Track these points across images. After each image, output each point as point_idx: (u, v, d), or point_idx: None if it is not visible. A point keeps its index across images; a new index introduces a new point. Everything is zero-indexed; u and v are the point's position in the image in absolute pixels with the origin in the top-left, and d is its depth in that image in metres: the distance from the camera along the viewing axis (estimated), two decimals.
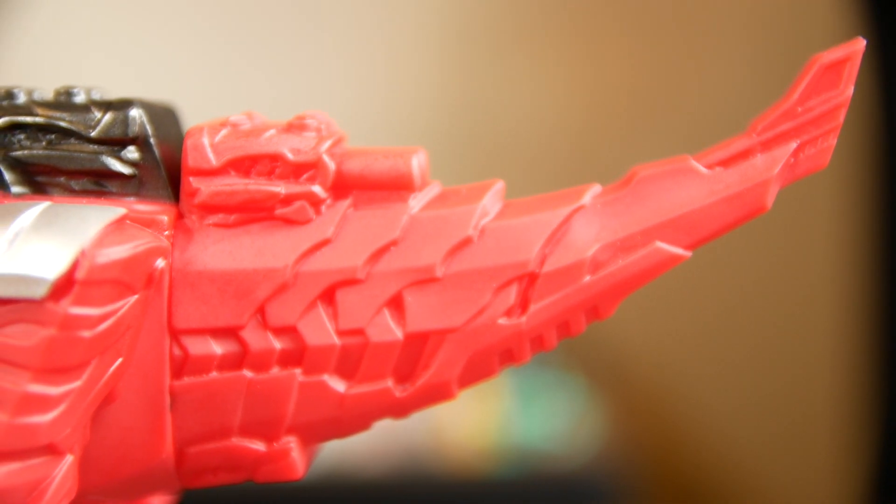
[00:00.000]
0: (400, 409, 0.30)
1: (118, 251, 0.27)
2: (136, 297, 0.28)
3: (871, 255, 0.83)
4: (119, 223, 0.28)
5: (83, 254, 0.27)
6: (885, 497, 0.79)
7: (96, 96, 0.31)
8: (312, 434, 0.30)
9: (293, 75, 0.95)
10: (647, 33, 0.96)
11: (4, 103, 0.30)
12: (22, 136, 0.30)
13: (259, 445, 0.30)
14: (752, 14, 0.93)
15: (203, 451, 0.30)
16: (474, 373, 0.30)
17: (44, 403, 0.27)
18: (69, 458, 0.28)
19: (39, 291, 0.26)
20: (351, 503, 0.88)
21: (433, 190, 0.30)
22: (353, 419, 0.30)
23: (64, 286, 0.27)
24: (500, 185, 0.30)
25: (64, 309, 0.27)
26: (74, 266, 0.27)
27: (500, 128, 0.98)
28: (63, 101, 0.30)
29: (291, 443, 0.30)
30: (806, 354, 0.92)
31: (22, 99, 0.30)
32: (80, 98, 0.30)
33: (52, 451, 0.27)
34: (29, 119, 0.30)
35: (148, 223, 0.29)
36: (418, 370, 0.30)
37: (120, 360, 0.28)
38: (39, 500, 0.28)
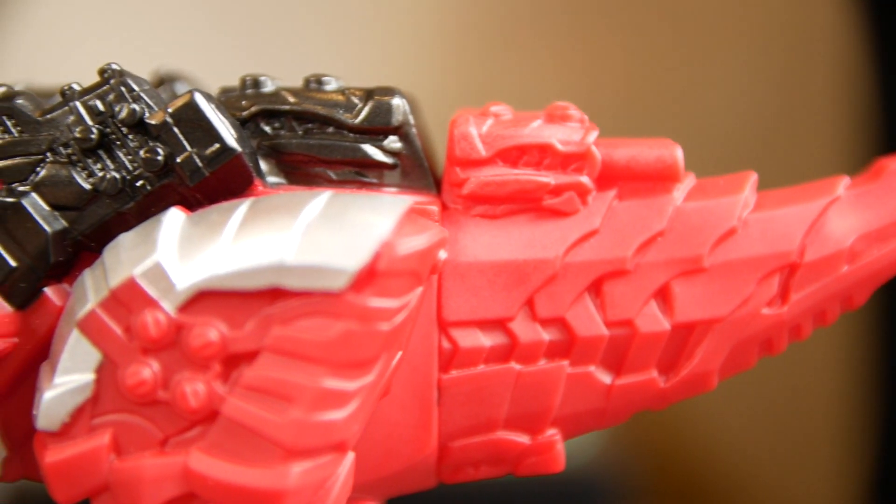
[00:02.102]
0: (662, 400, 0.30)
1: (417, 241, 0.27)
2: (421, 288, 0.27)
3: None
4: (410, 213, 0.27)
5: (386, 244, 0.26)
6: (885, 498, 0.82)
7: (342, 84, 0.30)
8: (574, 426, 0.30)
9: (292, 72, 0.93)
10: (646, 31, 0.97)
11: (250, 91, 0.29)
12: (276, 125, 0.29)
13: (524, 438, 0.30)
14: (752, 13, 0.95)
15: (467, 446, 0.30)
16: (734, 363, 0.30)
17: (339, 399, 0.26)
18: (351, 456, 0.27)
19: (339, 283, 0.26)
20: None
21: (690, 181, 0.30)
22: (616, 411, 0.30)
23: (365, 277, 0.26)
24: (755, 177, 0.31)
25: (364, 301, 0.26)
26: (376, 256, 0.26)
27: None
28: (314, 88, 0.29)
29: (556, 435, 0.30)
30: (807, 354, 0.94)
31: (270, 87, 0.29)
32: (331, 86, 0.30)
33: (340, 448, 0.27)
34: (286, 107, 0.29)
35: (420, 214, 0.29)
36: (681, 360, 0.30)
37: (400, 353, 0.28)
38: (325, 500, 0.27)
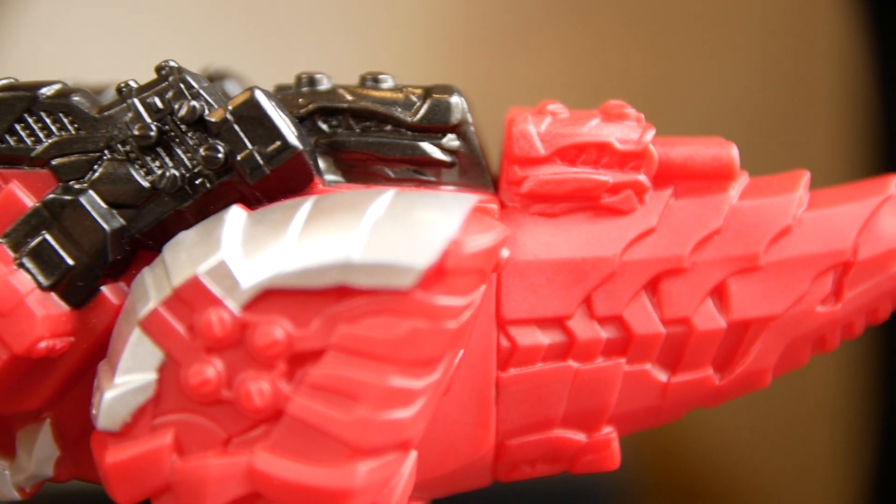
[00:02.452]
0: (716, 398, 0.30)
1: (484, 240, 0.26)
2: (484, 286, 0.27)
3: None
4: (475, 212, 0.27)
5: (453, 242, 0.26)
6: (885, 498, 0.82)
7: (398, 82, 0.30)
8: (630, 424, 0.30)
9: (294, 70, 0.93)
10: (647, 31, 0.97)
11: (305, 89, 0.29)
12: (334, 123, 0.29)
13: (580, 436, 0.30)
14: (754, 12, 0.95)
15: (524, 444, 0.30)
16: (788, 360, 0.30)
17: (406, 398, 0.26)
18: (414, 454, 0.27)
19: (407, 281, 0.26)
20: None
21: (744, 179, 0.31)
22: (671, 408, 0.30)
23: (434, 275, 0.26)
24: (808, 176, 0.31)
25: (432, 299, 0.26)
26: (444, 255, 0.26)
27: (501, 124, 0.98)
28: (371, 86, 0.29)
29: (612, 433, 0.30)
30: None
31: (326, 84, 0.29)
32: (388, 84, 0.29)
33: (405, 447, 0.27)
34: (343, 105, 0.29)
35: (480, 212, 0.28)
36: (736, 358, 0.30)
37: (462, 351, 0.28)
38: (389, 499, 0.27)
